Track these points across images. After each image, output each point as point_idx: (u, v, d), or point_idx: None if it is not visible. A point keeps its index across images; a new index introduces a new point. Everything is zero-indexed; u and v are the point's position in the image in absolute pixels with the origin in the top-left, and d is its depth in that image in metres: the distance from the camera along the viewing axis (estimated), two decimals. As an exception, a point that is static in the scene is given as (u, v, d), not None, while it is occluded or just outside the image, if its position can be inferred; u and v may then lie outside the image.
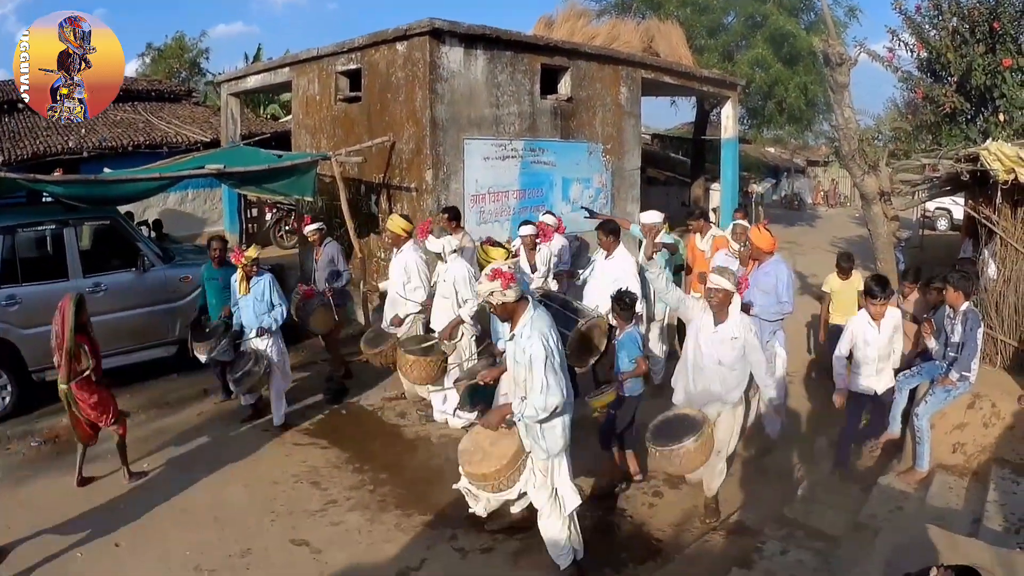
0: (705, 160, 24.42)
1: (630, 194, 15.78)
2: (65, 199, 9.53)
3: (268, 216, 19.33)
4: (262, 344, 8.61)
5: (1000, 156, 8.01)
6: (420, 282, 8.95)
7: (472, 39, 12.28)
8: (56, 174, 9.64)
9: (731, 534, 6.55)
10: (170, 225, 18.36)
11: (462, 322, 8.17)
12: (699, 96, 21.85)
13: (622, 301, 7.23)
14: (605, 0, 23.99)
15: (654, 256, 8.76)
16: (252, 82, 17.30)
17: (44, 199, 10.01)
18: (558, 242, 10.37)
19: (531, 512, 5.97)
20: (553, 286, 9.59)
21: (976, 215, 8.80)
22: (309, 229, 10.49)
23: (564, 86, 14.15)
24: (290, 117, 20.40)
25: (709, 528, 6.67)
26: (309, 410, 9.45)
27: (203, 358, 9.03)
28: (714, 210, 22.12)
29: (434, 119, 11.81)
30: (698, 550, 6.26)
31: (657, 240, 8.86)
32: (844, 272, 9.65)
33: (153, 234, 15.92)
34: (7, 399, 9.23)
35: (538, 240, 9.65)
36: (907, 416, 7.35)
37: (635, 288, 8.51)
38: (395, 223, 9.06)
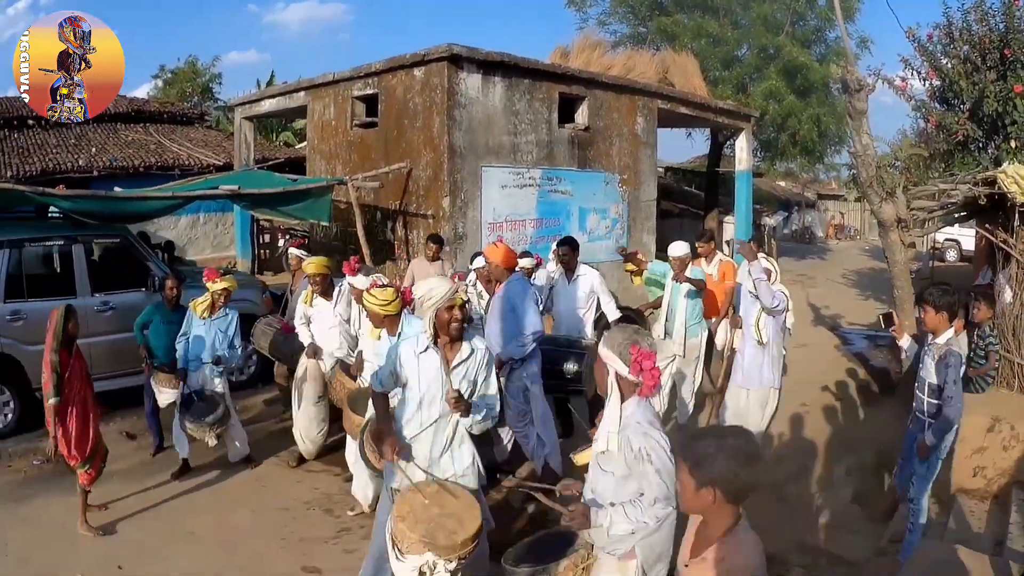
0: (718, 192, 24.39)
1: (646, 225, 15.72)
2: (75, 214, 9.42)
3: (281, 242, 19.20)
4: (214, 376, 7.94)
5: (1017, 179, 7.97)
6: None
7: (490, 66, 12.26)
8: (59, 189, 9.44)
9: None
10: (180, 248, 18.27)
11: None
12: (713, 128, 21.88)
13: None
14: (620, 31, 24.14)
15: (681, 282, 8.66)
16: (267, 106, 17.27)
17: (51, 213, 9.89)
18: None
19: None
20: None
21: (993, 239, 8.72)
22: (294, 252, 9.58)
23: (581, 115, 14.13)
24: (304, 144, 20.38)
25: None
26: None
27: (168, 396, 8.11)
28: (728, 242, 22.05)
29: (452, 146, 11.75)
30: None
31: (688, 274, 8.70)
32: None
33: (165, 256, 15.80)
34: (9, 416, 8.99)
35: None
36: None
37: (605, 298, 8.40)
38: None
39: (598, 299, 8.61)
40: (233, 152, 19.26)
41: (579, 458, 5.92)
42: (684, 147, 60.15)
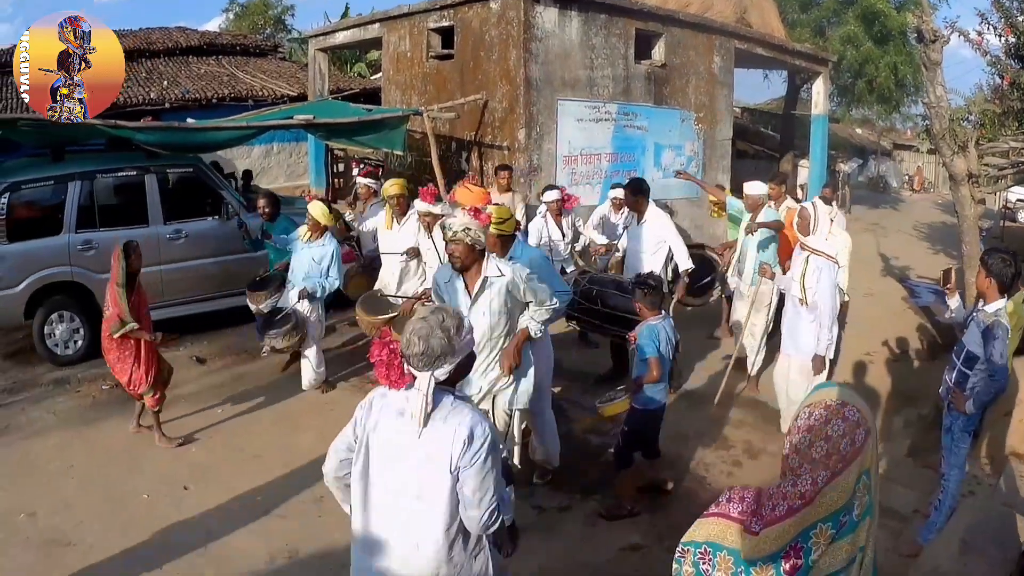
0: (794, 136, 24.10)
1: (721, 164, 15.64)
2: (148, 146, 9.54)
3: (355, 171, 19.27)
4: (303, 307, 8.00)
5: None
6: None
7: (566, 0, 12.18)
8: (144, 121, 9.57)
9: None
10: (254, 177, 18.44)
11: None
12: (790, 70, 21.56)
13: (646, 284, 5.93)
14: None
15: (754, 232, 8.52)
16: (341, 38, 17.29)
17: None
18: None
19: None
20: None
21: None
22: (361, 182, 9.75)
23: (658, 52, 14.00)
24: (378, 75, 20.42)
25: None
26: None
27: (255, 308, 8.34)
28: (802, 186, 21.76)
29: (528, 78, 11.75)
30: (774, 522, 6.11)
31: (760, 218, 8.52)
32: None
33: (241, 183, 16.02)
34: (80, 343, 9.24)
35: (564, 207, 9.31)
36: None
37: (676, 245, 8.23)
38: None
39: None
40: (307, 83, 19.36)
41: (607, 409, 5.87)
42: (761, 88, 59.08)
